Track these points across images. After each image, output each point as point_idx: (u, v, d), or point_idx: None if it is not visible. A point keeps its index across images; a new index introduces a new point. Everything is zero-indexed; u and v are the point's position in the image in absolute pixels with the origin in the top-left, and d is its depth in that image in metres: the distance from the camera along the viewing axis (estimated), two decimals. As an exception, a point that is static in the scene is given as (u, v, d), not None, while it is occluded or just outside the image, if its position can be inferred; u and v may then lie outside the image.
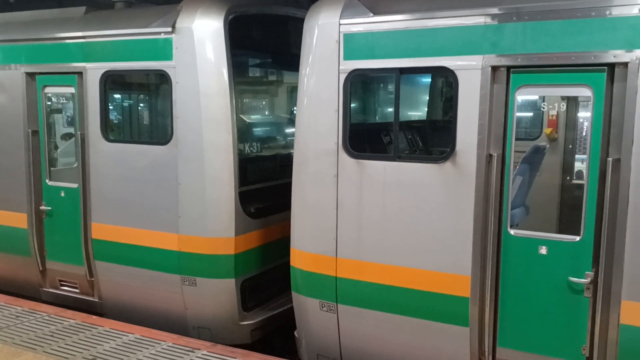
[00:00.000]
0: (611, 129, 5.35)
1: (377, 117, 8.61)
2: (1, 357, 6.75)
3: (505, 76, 5.73)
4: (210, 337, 7.71)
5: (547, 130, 9.11)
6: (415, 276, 6.25)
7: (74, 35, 8.37)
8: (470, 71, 5.81)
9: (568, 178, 8.74)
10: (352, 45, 6.44)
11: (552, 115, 9.00)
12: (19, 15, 9.48)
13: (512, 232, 5.87)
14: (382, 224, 6.38)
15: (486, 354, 6.02)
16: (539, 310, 5.78)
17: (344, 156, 6.53)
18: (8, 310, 8.23)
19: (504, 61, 5.68)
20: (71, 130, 9.47)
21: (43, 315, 8.08)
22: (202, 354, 6.89)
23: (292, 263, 7.15)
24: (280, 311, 8.20)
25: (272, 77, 9.71)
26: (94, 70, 8.18)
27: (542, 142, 8.86)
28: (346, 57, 6.47)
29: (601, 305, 5.44)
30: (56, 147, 9.58)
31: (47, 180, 8.98)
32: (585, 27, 5.34)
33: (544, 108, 8.26)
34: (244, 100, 9.03)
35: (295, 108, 7.32)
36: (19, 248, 9.22)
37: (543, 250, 5.72)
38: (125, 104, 9.69)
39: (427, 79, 8.66)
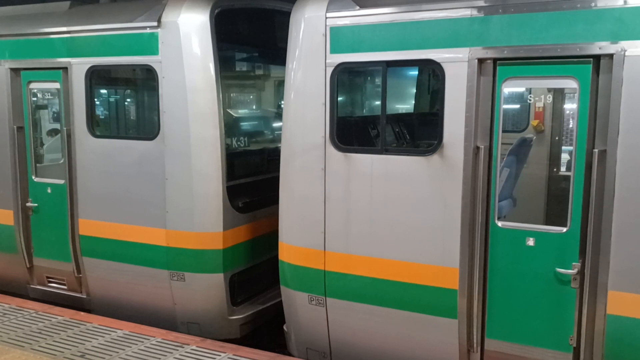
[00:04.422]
0: (597, 121, 5.37)
1: (364, 111, 8.62)
2: (-12, 354, 6.73)
3: (492, 68, 5.74)
4: (200, 332, 7.70)
5: (533, 122, 9.14)
6: (404, 269, 6.27)
7: (58, 30, 8.31)
8: (457, 64, 5.81)
9: (555, 170, 8.78)
10: (339, 38, 6.42)
11: (539, 107, 9.04)
12: (2, 10, 9.38)
13: (499, 224, 5.89)
14: (370, 217, 6.39)
15: (475, 345, 6.05)
16: (527, 302, 5.81)
17: (332, 150, 6.53)
18: (-5, 308, 8.20)
19: (491, 53, 5.69)
20: (57, 126, 9.40)
21: (31, 313, 8.03)
22: (192, 349, 6.89)
23: (280, 257, 7.14)
24: (269, 305, 8.20)
25: (259, 71, 9.69)
26: (79, 66, 8.12)
27: (528, 134, 8.90)
28: (333, 51, 6.46)
29: (588, 295, 5.48)
30: (42, 144, 9.51)
31: (33, 177, 8.92)
32: (571, 19, 5.35)
33: (530, 100, 8.29)
34: (231, 95, 9.00)
35: (282, 102, 7.30)
36: (6, 245, 9.16)
37: (530, 242, 5.74)
38: (112, 99, 9.64)
39: (414, 72, 8.67)
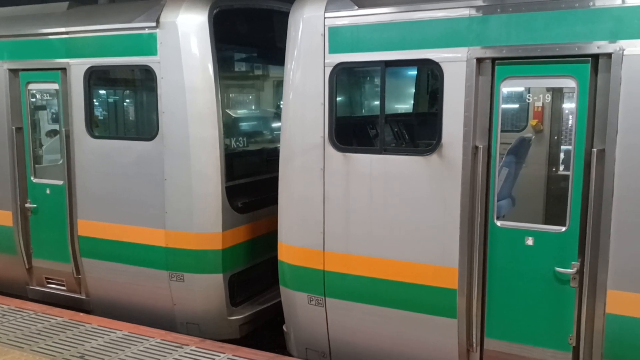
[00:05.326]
0: (595, 120, 5.37)
1: (363, 110, 8.61)
2: (-12, 356, 6.72)
3: (490, 68, 5.74)
4: (199, 332, 7.70)
5: (532, 121, 9.14)
6: (403, 269, 6.27)
7: (57, 31, 8.30)
8: (456, 63, 5.81)
9: (554, 169, 8.78)
10: (337, 38, 6.42)
11: (538, 107, 9.04)
12: (1, 11, 9.38)
13: (498, 223, 5.89)
14: (369, 217, 6.39)
15: (474, 345, 6.05)
16: (526, 301, 5.82)
17: (331, 149, 6.52)
18: (-6, 309, 8.19)
19: (489, 53, 5.69)
20: (56, 126, 9.40)
21: (30, 314, 8.03)
22: (191, 350, 6.88)
23: (279, 257, 7.14)
24: (268, 305, 8.20)
25: (257, 72, 9.69)
26: (77, 66, 8.11)
27: (527, 133, 8.89)
28: (331, 51, 6.46)
29: (587, 295, 5.48)
30: (41, 144, 9.51)
31: (32, 178, 8.91)
32: (569, 19, 5.36)
33: (529, 99, 8.29)
34: (230, 95, 9.00)
35: (281, 102, 7.30)
36: (5, 246, 9.15)
37: (529, 241, 5.74)
38: (110, 100, 9.64)
39: (412, 72, 8.66)
